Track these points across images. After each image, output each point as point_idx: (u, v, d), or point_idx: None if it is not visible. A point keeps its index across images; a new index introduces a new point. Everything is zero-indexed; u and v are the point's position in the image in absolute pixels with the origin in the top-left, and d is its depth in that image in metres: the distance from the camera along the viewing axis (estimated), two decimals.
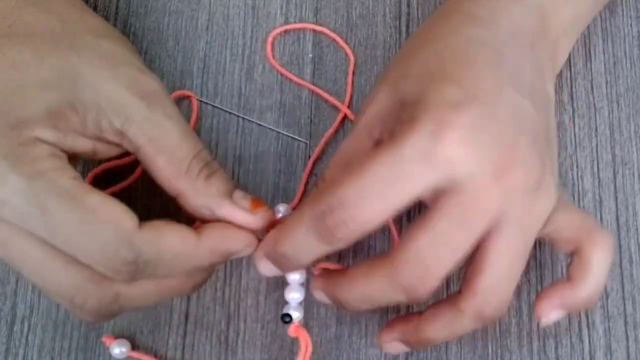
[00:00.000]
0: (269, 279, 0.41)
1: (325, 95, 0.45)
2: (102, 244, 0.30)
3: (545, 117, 0.35)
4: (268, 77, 0.45)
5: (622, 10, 0.46)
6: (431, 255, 0.32)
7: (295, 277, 0.37)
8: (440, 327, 0.34)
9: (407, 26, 0.46)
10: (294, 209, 0.42)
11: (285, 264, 0.34)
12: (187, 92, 0.45)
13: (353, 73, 0.45)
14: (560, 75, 0.45)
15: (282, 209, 0.41)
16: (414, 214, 0.42)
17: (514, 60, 0.35)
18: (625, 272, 0.42)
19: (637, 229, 0.42)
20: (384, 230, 0.42)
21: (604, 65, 0.45)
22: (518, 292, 0.41)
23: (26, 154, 0.30)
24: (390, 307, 0.41)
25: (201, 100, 0.45)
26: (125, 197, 0.42)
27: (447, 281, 0.41)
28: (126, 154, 0.36)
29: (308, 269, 0.38)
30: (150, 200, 0.43)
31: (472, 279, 0.33)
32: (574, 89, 0.45)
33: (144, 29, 0.46)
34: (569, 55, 0.45)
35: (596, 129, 0.44)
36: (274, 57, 0.46)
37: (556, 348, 0.40)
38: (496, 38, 0.36)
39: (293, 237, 0.33)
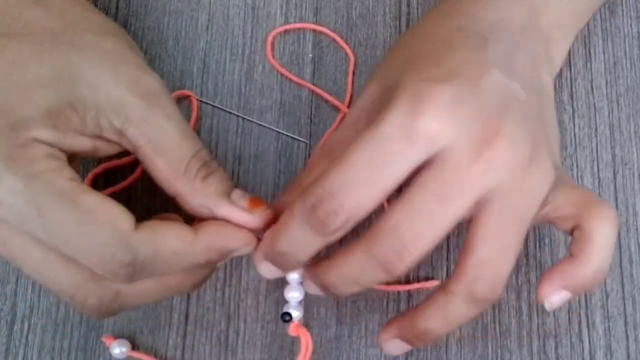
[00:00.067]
0: (268, 279, 0.41)
1: (325, 95, 0.45)
2: (99, 245, 0.30)
3: (537, 101, 0.35)
4: (268, 77, 0.45)
5: (622, 10, 0.46)
6: (407, 230, 0.31)
7: (294, 277, 0.37)
8: (433, 315, 0.33)
9: (407, 26, 0.46)
10: None
11: (284, 262, 0.34)
12: (187, 92, 0.45)
13: (353, 73, 0.45)
14: (560, 75, 0.45)
15: None
16: None
17: (501, 46, 0.35)
18: (625, 272, 0.42)
19: (637, 229, 0.42)
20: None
21: (604, 65, 0.45)
22: (518, 291, 0.41)
23: (24, 155, 0.30)
24: (391, 306, 0.41)
25: (201, 100, 0.45)
26: (125, 197, 0.42)
27: None
28: (126, 153, 0.36)
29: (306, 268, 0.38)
30: (150, 200, 0.43)
31: (462, 259, 0.33)
32: (574, 89, 0.45)
33: (143, 28, 0.46)
34: (569, 55, 0.45)
35: (596, 129, 0.44)
36: (274, 57, 0.46)
37: (556, 348, 0.40)
38: (481, 27, 0.36)
39: (288, 233, 0.33)
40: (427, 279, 0.41)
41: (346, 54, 0.46)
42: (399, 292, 0.41)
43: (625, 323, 0.41)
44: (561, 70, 0.45)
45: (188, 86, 0.45)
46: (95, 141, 0.33)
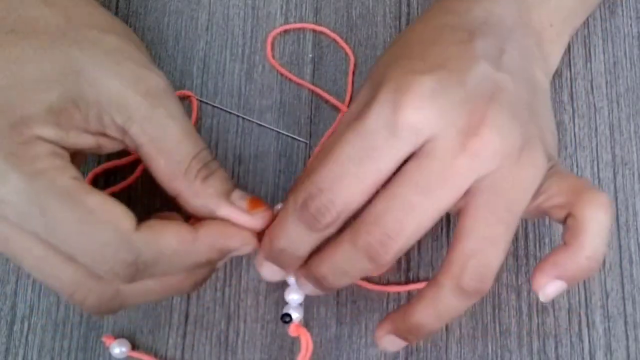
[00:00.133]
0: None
1: (325, 95, 0.45)
2: (101, 245, 0.30)
3: (529, 94, 0.35)
4: (268, 77, 0.45)
5: (622, 11, 0.46)
6: (390, 220, 0.31)
7: (294, 280, 0.37)
8: (424, 308, 0.33)
9: (407, 26, 0.46)
10: None
11: (284, 260, 0.34)
12: (187, 92, 0.45)
13: (353, 73, 0.45)
14: (560, 75, 0.45)
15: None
16: None
17: (489, 41, 0.35)
18: (625, 272, 0.42)
19: (637, 229, 0.42)
20: None
21: (604, 65, 0.45)
22: (518, 291, 0.41)
23: (27, 153, 0.30)
24: (391, 306, 0.41)
25: (201, 100, 0.45)
26: (125, 197, 0.42)
27: None
28: (127, 153, 0.37)
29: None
30: (150, 200, 0.43)
31: (450, 250, 0.32)
32: (574, 89, 0.45)
33: (143, 28, 0.46)
34: (569, 55, 0.45)
35: (596, 129, 0.44)
36: (273, 57, 0.46)
37: (556, 348, 0.40)
38: (468, 23, 0.36)
39: (284, 230, 0.33)
40: (427, 279, 0.41)
41: (346, 54, 0.46)
42: (399, 292, 0.41)
43: (625, 323, 0.41)
44: (561, 70, 0.45)
45: (188, 86, 0.45)
46: (99, 138, 0.33)
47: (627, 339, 0.41)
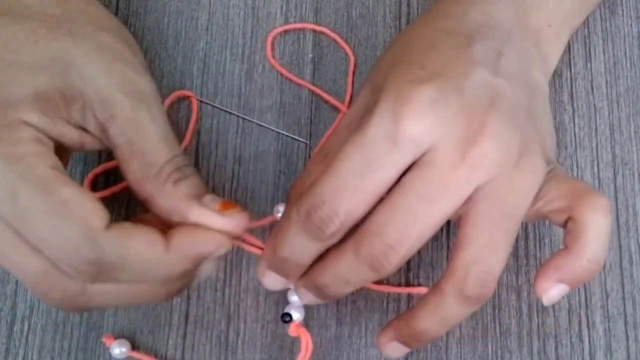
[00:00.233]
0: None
1: (325, 95, 0.45)
2: (65, 239, 0.29)
3: (527, 97, 0.35)
4: (268, 77, 0.45)
5: (622, 10, 0.46)
6: (392, 230, 0.32)
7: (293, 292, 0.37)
8: (428, 314, 0.33)
9: (407, 26, 0.46)
10: None
11: (288, 269, 0.34)
12: (187, 92, 0.45)
13: (353, 73, 0.45)
14: (560, 75, 0.45)
15: (281, 209, 0.41)
16: None
17: (487, 44, 0.35)
18: (625, 272, 0.42)
19: (637, 229, 0.42)
20: None
21: (604, 65, 0.45)
22: (518, 291, 0.41)
23: (8, 136, 0.30)
24: (391, 306, 0.41)
25: (201, 100, 0.45)
26: (125, 197, 0.42)
27: None
28: None
29: None
30: None
31: (452, 257, 0.33)
32: (574, 89, 0.45)
33: (143, 28, 0.46)
34: (569, 55, 0.45)
35: (596, 129, 0.44)
36: (274, 57, 0.46)
37: (556, 348, 0.40)
38: (467, 27, 0.36)
39: (287, 240, 0.33)
40: (426, 284, 0.41)
41: (346, 54, 0.46)
42: (398, 293, 0.41)
43: (625, 323, 0.41)
44: (561, 70, 0.45)
45: (188, 86, 0.45)
46: (82, 134, 0.33)
47: (627, 339, 0.41)
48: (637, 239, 0.42)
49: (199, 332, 0.41)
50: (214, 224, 0.33)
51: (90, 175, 0.42)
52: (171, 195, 0.32)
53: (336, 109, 0.45)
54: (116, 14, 0.46)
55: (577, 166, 0.44)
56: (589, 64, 0.45)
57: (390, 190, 0.32)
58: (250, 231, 0.41)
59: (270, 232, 0.42)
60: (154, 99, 0.34)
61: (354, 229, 0.33)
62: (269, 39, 0.46)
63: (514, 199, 0.33)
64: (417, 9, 0.47)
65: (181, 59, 0.46)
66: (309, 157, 0.44)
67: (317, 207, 0.32)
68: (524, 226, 0.42)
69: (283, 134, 0.44)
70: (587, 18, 0.45)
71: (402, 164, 0.32)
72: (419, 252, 0.41)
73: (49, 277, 0.31)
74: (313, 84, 0.45)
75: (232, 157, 0.44)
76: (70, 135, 0.32)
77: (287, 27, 0.46)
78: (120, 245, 0.30)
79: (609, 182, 0.43)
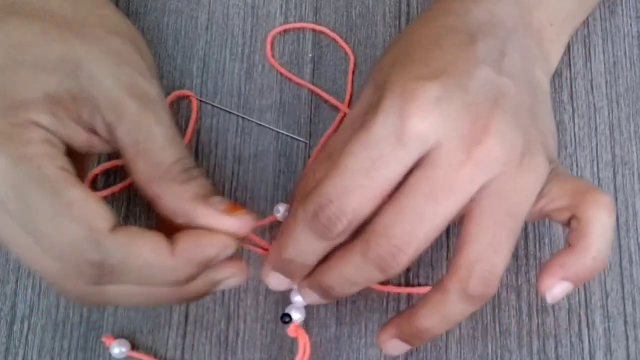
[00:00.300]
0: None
1: (325, 95, 0.45)
2: (69, 240, 0.29)
3: (530, 96, 0.35)
4: (268, 77, 0.45)
5: (622, 10, 0.46)
6: (400, 231, 0.31)
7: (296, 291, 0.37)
8: (430, 313, 0.33)
9: (407, 25, 0.46)
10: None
11: (294, 270, 0.34)
12: (187, 92, 0.44)
13: (353, 73, 0.45)
14: (560, 75, 0.45)
15: (281, 209, 0.41)
16: None
17: (491, 43, 0.35)
18: (625, 272, 0.42)
19: (637, 229, 0.42)
20: None
21: (604, 65, 0.45)
22: (518, 291, 0.41)
23: (19, 136, 0.30)
24: (391, 306, 0.41)
25: (201, 100, 0.45)
26: (126, 197, 0.42)
27: None
28: None
29: None
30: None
31: (455, 255, 0.33)
32: (574, 89, 0.45)
33: (143, 28, 0.46)
34: (569, 55, 0.45)
35: (596, 129, 0.44)
36: (273, 56, 0.46)
37: (556, 348, 0.40)
38: (471, 25, 0.36)
39: (293, 241, 0.33)
40: (426, 284, 0.41)
41: (346, 53, 0.46)
42: (398, 293, 0.41)
43: (625, 323, 0.41)
44: (561, 70, 0.45)
45: (188, 86, 0.45)
46: (91, 136, 0.33)
47: (627, 339, 0.41)
48: (637, 239, 0.42)
49: (199, 332, 0.41)
50: (220, 226, 0.32)
51: (90, 176, 0.42)
52: (178, 196, 0.32)
53: (336, 109, 0.44)
54: None
55: (577, 166, 0.44)
56: (589, 64, 0.45)
57: (396, 189, 0.32)
58: (250, 231, 0.41)
59: (270, 232, 0.42)
60: (160, 102, 0.34)
61: (360, 228, 0.33)
62: (269, 39, 0.46)
63: (518, 198, 0.33)
64: (417, 8, 0.47)
65: (181, 58, 0.46)
66: (309, 156, 0.44)
67: (324, 206, 0.32)
68: (524, 226, 0.42)
69: (283, 134, 0.44)
70: (587, 18, 0.45)
71: (408, 162, 0.32)
72: None
73: (67, 278, 0.31)
74: (313, 84, 0.45)
75: (232, 156, 0.44)
76: (79, 137, 0.32)
77: (287, 26, 0.46)
78: (124, 248, 0.30)
79: (609, 182, 0.43)
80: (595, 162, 0.44)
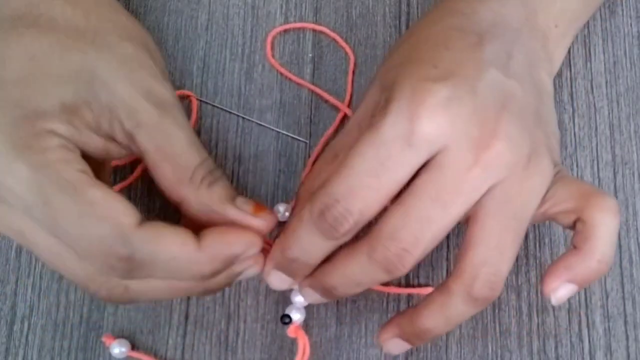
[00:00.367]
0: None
1: (325, 95, 0.45)
2: (97, 238, 0.30)
3: (535, 99, 0.35)
4: (268, 76, 0.45)
5: (622, 10, 0.46)
6: (407, 234, 0.32)
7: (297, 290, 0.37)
8: (433, 313, 0.33)
9: (407, 26, 0.46)
10: (293, 208, 0.42)
11: (297, 269, 0.34)
12: (187, 92, 0.44)
13: (353, 73, 0.45)
14: (560, 75, 0.45)
15: (281, 209, 0.42)
16: None
17: (498, 45, 0.35)
18: (625, 272, 0.42)
19: (637, 229, 0.42)
20: None
21: (604, 65, 0.45)
22: (518, 291, 0.41)
23: (37, 144, 0.30)
24: (391, 306, 0.41)
25: (201, 100, 0.45)
26: (126, 197, 0.42)
27: None
28: None
29: None
30: (150, 200, 0.43)
31: (460, 257, 0.33)
32: (574, 89, 0.45)
33: None
34: (569, 55, 0.45)
35: (596, 129, 0.44)
36: (273, 56, 0.46)
37: (556, 348, 0.40)
38: (478, 26, 0.36)
39: (298, 240, 0.33)
40: (426, 284, 0.41)
41: (346, 53, 0.46)
42: (399, 292, 0.41)
43: (625, 323, 0.41)
44: (561, 70, 0.45)
45: (188, 86, 0.45)
46: (108, 142, 0.34)
47: (627, 339, 0.41)
48: (637, 239, 0.42)
49: (199, 331, 0.41)
50: (248, 224, 0.34)
51: None
52: (207, 199, 0.33)
53: (336, 109, 0.44)
54: None
55: (577, 166, 0.44)
56: (589, 64, 0.45)
57: (403, 190, 0.32)
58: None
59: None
60: (176, 105, 0.35)
61: (365, 227, 0.33)
62: (269, 39, 0.46)
63: (523, 201, 0.33)
64: (417, 8, 0.47)
65: (181, 58, 0.46)
66: (309, 156, 0.44)
67: (330, 206, 0.32)
68: None
69: (283, 134, 0.44)
70: None
71: (416, 163, 0.32)
72: None
73: (96, 280, 0.32)
74: (313, 84, 0.45)
75: (232, 156, 0.44)
76: (95, 143, 0.33)
77: (287, 26, 0.46)
78: (152, 242, 0.31)
79: (609, 181, 0.43)
80: (595, 162, 0.44)
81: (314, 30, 0.46)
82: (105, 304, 0.41)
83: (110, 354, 0.40)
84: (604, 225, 0.33)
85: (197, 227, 0.33)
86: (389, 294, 0.41)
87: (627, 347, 0.41)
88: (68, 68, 0.32)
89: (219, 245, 0.32)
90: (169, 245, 0.31)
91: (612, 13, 0.46)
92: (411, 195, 0.32)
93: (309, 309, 0.38)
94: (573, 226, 0.34)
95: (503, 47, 0.35)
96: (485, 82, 0.33)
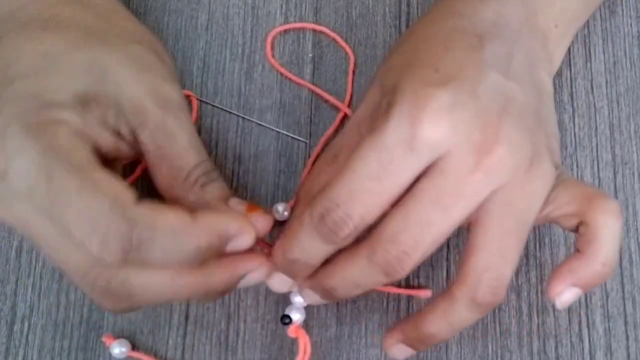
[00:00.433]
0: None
1: (325, 94, 0.45)
2: (96, 213, 0.30)
3: (536, 100, 0.35)
4: (268, 76, 0.45)
5: (622, 10, 0.46)
6: (407, 237, 0.32)
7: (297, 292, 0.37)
8: (437, 319, 0.34)
9: (407, 25, 0.46)
10: (292, 208, 0.42)
11: (298, 270, 0.35)
12: (187, 92, 0.44)
13: (353, 73, 0.45)
14: (560, 75, 0.45)
15: (280, 208, 0.42)
16: None
17: (498, 46, 0.35)
18: (625, 272, 0.42)
19: (637, 229, 0.42)
20: None
21: (604, 65, 0.45)
22: (518, 291, 0.41)
23: (49, 130, 0.31)
24: (391, 306, 0.41)
25: (201, 100, 0.45)
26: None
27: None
28: None
29: None
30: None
31: (463, 263, 0.33)
32: (574, 89, 0.45)
33: None
34: (569, 55, 0.45)
35: (596, 129, 0.44)
36: (273, 56, 0.46)
37: (556, 348, 0.40)
38: (478, 27, 0.36)
39: (299, 243, 0.33)
40: (426, 284, 0.41)
41: (346, 53, 0.46)
42: (399, 293, 0.41)
43: (625, 323, 0.41)
44: (561, 70, 0.45)
45: (188, 86, 0.45)
46: (117, 140, 0.34)
47: (627, 339, 0.41)
48: (637, 239, 0.42)
49: (199, 331, 0.41)
50: None
51: None
52: (199, 198, 0.33)
53: (336, 109, 0.44)
54: None
55: (577, 166, 0.44)
56: (589, 64, 0.45)
57: (404, 194, 0.32)
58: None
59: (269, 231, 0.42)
60: (181, 106, 0.35)
61: (365, 231, 0.33)
62: (269, 39, 0.46)
63: (525, 205, 0.33)
64: (417, 8, 0.47)
65: (181, 58, 0.46)
66: (309, 156, 0.44)
67: (331, 210, 0.32)
68: None
69: (283, 134, 0.44)
70: None
71: (418, 168, 0.32)
72: None
73: (93, 268, 0.32)
74: (313, 84, 0.45)
75: (232, 156, 0.44)
76: (106, 139, 0.33)
77: (287, 26, 0.46)
78: (151, 217, 0.31)
79: (609, 181, 0.43)
80: (595, 162, 0.44)
81: (314, 30, 0.46)
82: None
83: (110, 354, 0.40)
84: (607, 229, 0.33)
85: None
86: (389, 294, 0.41)
87: (627, 347, 0.41)
88: (80, 63, 0.33)
89: (212, 219, 0.32)
90: (166, 218, 0.31)
91: (612, 13, 0.46)
92: (412, 199, 0.32)
93: (308, 309, 0.38)
94: (576, 229, 0.34)
95: (503, 48, 0.35)
96: (486, 85, 0.33)
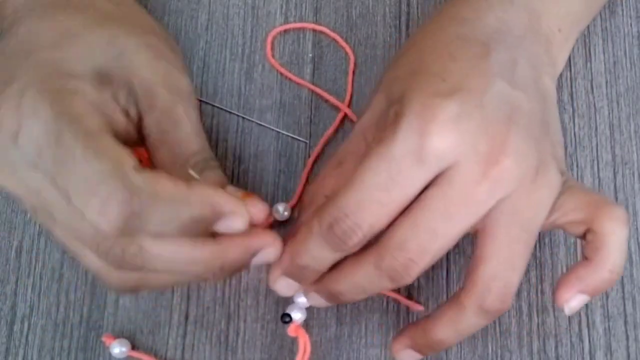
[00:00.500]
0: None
1: (325, 94, 0.45)
2: (98, 175, 0.30)
3: (541, 107, 0.35)
4: (268, 76, 0.45)
5: (622, 10, 0.46)
6: (414, 245, 0.32)
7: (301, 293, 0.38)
8: (445, 326, 0.34)
9: (407, 25, 0.46)
10: (292, 208, 0.42)
11: (306, 275, 0.35)
12: None
13: (353, 73, 0.45)
14: (560, 75, 0.45)
15: (281, 208, 0.42)
16: None
17: (502, 53, 0.35)
18: (625, 272, 0.42)
19: (637, 229, 0.42)
20: None
21: (604, 65, 0.45)
22: (518, 291, 0.41)
23: (65, 97, 0.31)
24: (391, 306, 0.41)
25: (201, 100, 0.45)
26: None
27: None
28: None
29: None
30: None
31: (472, 271, 0.33)
32: (574, 89, 0.45)
33: None
34: (569, 55, 0.45)
35: (596, 129, 0.44)
36: (273, 56, 0.46)
37: (556, 348, 0.40)
38: (482, 34, 0.36)
39: (308, 250, 0.34)
40: (426, 284, 0.41)
41: (346, 53, 0.46)
42: (399, 301, 0.41)
43: (625, 323, 0.41)
44: (561, 70, 0.45)
45: None
46: (128, 122, 0.34)
47: (627, 339, 0.41)
48: (637, 239, 0.42)
49: (199, 331, 0.41)
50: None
51: None
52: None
53: (336, 109, 0.44)
54: None
55: (577, 166, 0.44)
56: (589, 64, 0.45)
57: (411, 203, 0.33)
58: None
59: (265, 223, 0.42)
60: (190, 97, 0.36)
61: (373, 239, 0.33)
62: (269, 39, 0.46)
63: (532, 213, 0.33)
64: (417, 8, 0.47)
65: None
66: (309, 156, 0.44)
67: (340, 219, 0.32)
68: None
69: (283, 134, 0.44)
70: None
71: (425, 179, 0.32)
72: None
73: (107, 240, 0.31)
74: (313, 84, 0.45)
75: (232, 156, 0.44)
76: (117, 117, 0.34)
77: (287, 26, 0.46)
78: (149, 182, 0.31)
79: (609, 181, 0.43)
80: (595, 162, 0.44)
81: (314, 30, 0.46)
82: (105, 303, 0.41)
83: (110, 354, 0.40)
84: (615, 236, 0.33)
85: None
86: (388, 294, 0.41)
87: (627, 347, 0.41)
88: (100, 39, 0.34)
89: (208, 191, 0.32)
90: (165, 184, 0.31)
91: (612, 13, 0.46)
92: (420, 208, 0.32)
93: (309, 309, 0.38)
94: (583, 236, 0.34)
95: (507, 55, 0.35)
96: (491, 94, 0.33)
